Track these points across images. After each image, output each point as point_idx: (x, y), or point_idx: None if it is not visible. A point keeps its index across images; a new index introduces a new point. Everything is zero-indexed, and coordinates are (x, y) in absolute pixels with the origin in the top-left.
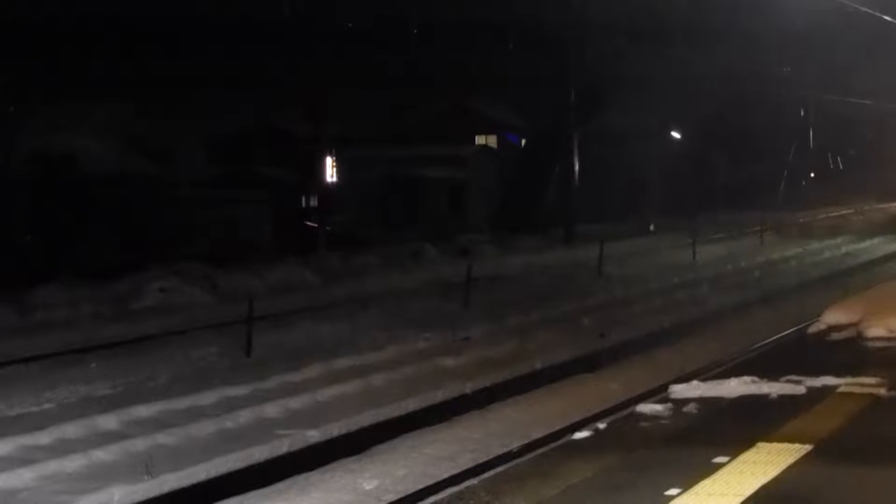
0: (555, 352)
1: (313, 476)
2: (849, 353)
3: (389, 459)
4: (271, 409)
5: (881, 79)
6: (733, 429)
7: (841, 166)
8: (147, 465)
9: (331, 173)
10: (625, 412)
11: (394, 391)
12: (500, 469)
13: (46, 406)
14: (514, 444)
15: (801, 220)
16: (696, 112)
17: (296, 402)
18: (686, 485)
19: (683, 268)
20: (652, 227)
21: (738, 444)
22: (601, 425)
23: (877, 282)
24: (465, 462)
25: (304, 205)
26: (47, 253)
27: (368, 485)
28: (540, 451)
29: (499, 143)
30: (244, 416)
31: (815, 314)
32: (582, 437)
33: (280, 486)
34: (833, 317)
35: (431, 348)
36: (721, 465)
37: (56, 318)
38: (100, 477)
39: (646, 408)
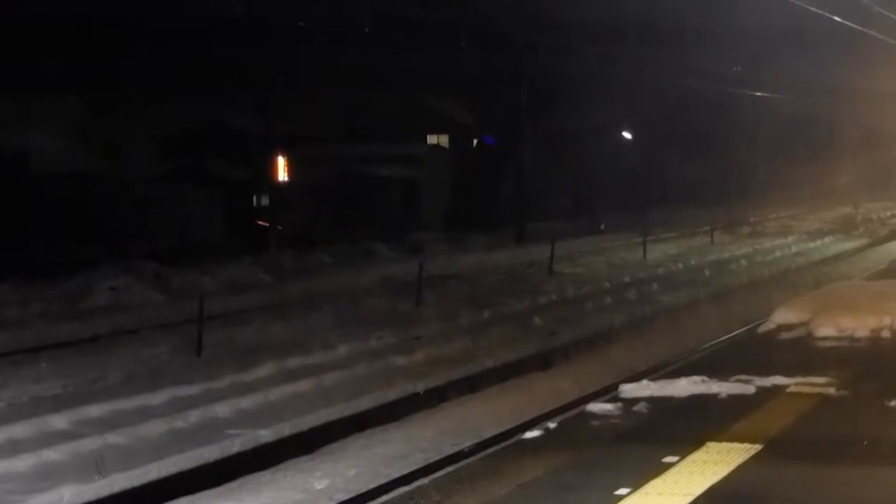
0: (506, 350)
1: (265, 475)
2: (799, 353)
3: (341, 459)
4: (222, 409)
5: (830, 78)
6: (683, 428)
7: (792, 165)
8: (98, 465)
9: (283, 172)
10: (575, 411)
11: (346, 390)
12: (451, 468)
13: None
14: (466, 444)
15: (752, 219)
16: (648, 111)
17: (247, 402)
18: (636, 484)
19: (634, 266)
20: (602, 226)
21: (687, 444)
22: (552, 424)
23: (827, 281)
24: (417, 461)
25: (256, 203)
26: None
27: (319, 484)
28: (491, 450)
29: (451, 142)
30: (195, 416)
31: (765, 313)
32: (533, 436)
33: (231, 485)
34: (783, 316)
35: (383, 347)
36: (671, 465)
37: (6, 316)
38: (50, 477)
39: (596, 407)
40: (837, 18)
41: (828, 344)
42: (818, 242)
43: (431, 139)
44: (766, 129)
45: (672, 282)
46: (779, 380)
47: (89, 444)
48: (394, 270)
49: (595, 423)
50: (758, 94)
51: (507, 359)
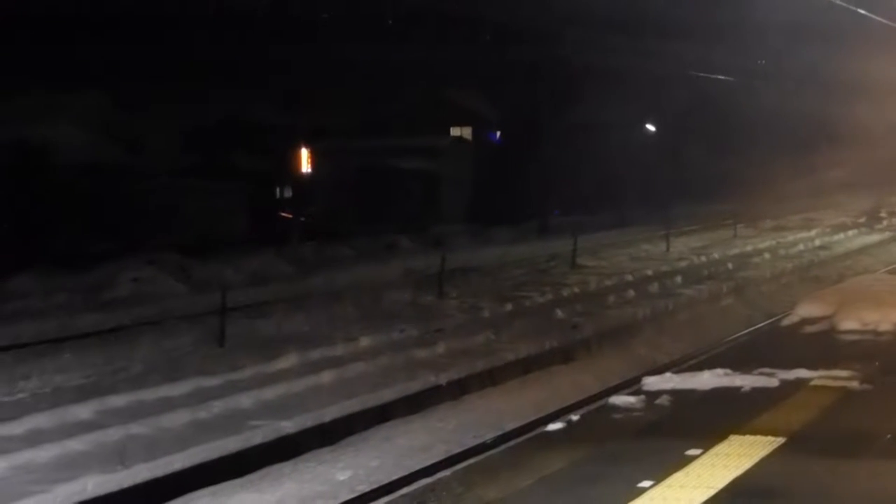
0: (528, 343)
1: (287, 467)
2: (822, 346)
3: (363, 450)
4: (245, 400)
5: (853, 71)
6: (706, 421)
7: (814, 159)
8: (121, 456)
9: (305, 165)
10: (598, 404)
11: (368, 382)
12: (473, 460)
13: (20, 395)
14: (488, 436)
15: (775, 212)
16: (672, 104)
17: (269, 393)
18: (658, 477)
19: (657, 259)
20: (626, 219)
21: (710, 437)
22: (574, 417)
23: (850, 274)
24: (439, 453)
25: (278, 196)
26: (22, 242)
27: (342, 475)
28: (513, 442)
29: (473, 135)
30: (217, 407)
31: (788, 307)
32: (555, 428)
33: (253, 476)
34: (807, 309)
35: (405, 339)
36: (694, 458)
37: (30, 307)
38: (73, 467)
39: (619, 400)
40: (862, 11)
41: (851, 338)
42: (841, 236)
43: (455, 132)
44: (789, 122)
45: (695, 275)
46: (802, 373)
47: (112, 434)
48: (416, 263)
49: (618, 415)
50: (780, 87)
51: (529, 352)
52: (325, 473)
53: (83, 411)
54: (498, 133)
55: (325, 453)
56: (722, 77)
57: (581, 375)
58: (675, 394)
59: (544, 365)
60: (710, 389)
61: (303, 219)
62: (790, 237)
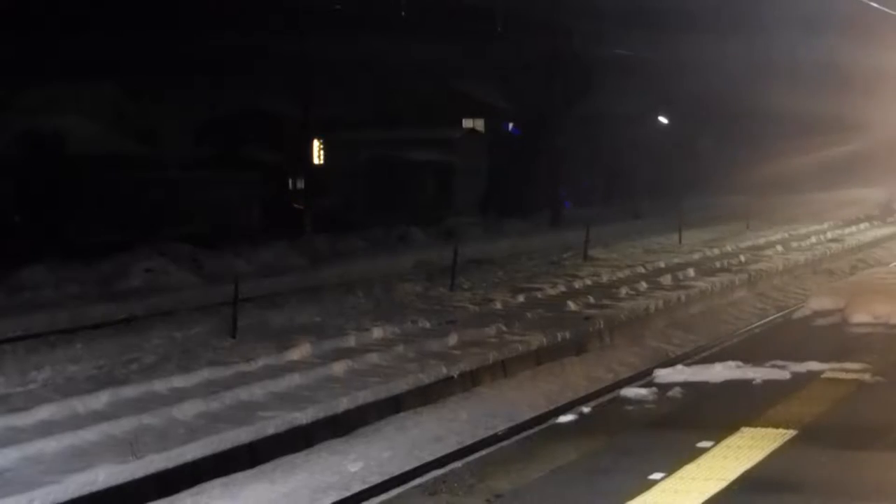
0: (540, 335)
1: (298, 458)
2: (834, 339)
3: (374, 441)
4: (256, 391)
5: (871, 64)
6: (718, 413)
7: (826, 152)
8: (132, 446)
9: (318, 156)
10: (610, 396)
11: (379, 373)
12: (484, 452)
13: (32, 386)
14: (500, 427)
15: (788, 205)
16: (685, 96)
17: (281, 384)
18: (670, 469)
19: (669, 251)
20: (638, 212)
21: (722, 429)
22: (586, 409)
23: (862, 267)
24: (450, 444)
25: (291, 187)
26: (34, 233)
27: (353, 466)
28: (525, 434)
29: (486, 127)
30: (229, 398)
31: (800, 299)
32: (567, 420)
33: (265, 467)
34: (818, 302)
35: (417, 331)
36: (705, 450)
37: (42, 298)
38: (85, 457)
39: (630, 392)
40: (874, 4)
41: (863, 330)
42: (853, 228)
43: (467, 123)
44: (801, 114)
45: (707, 267)
46: (814, 366)
47: (124, 424)
48: (428, 255)
49: (629, 407)
50: (793, 79)
51: (541, 343)
52: (338, 464)
53: (95, 402)
54: (510, 125)
55: (337, 444)
56: (734, 68)
57: (593, 367)
58: (687, 386)
59: (556, 356)
60: (722, 382)
61: (315, 210)
62: (802, 230)
